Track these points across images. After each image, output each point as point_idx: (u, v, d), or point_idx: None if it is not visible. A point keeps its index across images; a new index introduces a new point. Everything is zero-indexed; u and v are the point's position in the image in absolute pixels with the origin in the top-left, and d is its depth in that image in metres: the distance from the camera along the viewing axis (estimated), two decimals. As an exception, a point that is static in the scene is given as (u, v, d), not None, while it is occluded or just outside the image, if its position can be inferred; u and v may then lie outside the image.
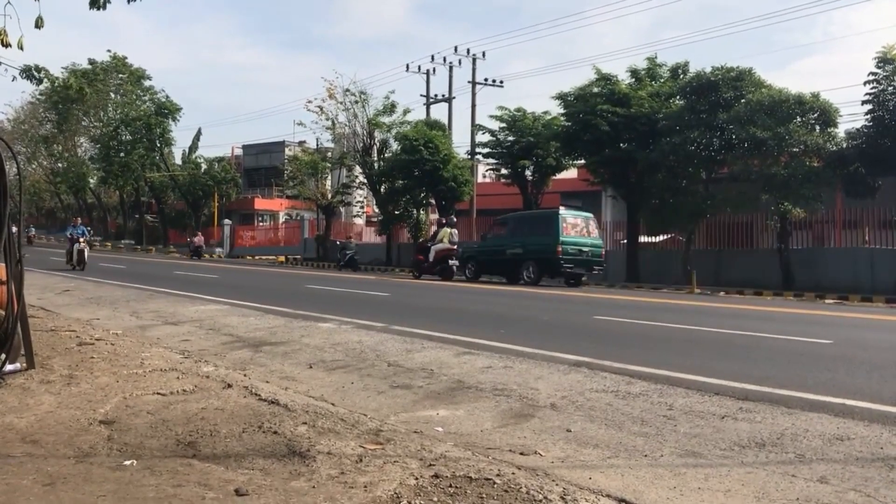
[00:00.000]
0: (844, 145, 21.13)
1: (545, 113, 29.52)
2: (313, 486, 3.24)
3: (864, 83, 20.52)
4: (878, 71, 20.31)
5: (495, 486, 3.27)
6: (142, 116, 49.51)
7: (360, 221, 44.52)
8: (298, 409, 4.65)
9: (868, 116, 20.62)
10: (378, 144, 35.37)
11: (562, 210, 21.64)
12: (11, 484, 3.18)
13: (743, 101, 21.76)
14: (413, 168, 30.91)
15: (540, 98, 71.30)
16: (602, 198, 32.21)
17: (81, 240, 23.21)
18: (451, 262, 22.14)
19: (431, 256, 22.31)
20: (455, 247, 22.56)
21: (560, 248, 19.79)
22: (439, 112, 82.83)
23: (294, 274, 25.72)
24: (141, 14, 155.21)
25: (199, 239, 40.92)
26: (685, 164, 23.17)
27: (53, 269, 22.25)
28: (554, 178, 30.91)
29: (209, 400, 4.91)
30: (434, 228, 25.51)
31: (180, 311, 11.43)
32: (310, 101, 36.53)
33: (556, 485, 3.35)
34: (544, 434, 4.52)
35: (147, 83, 52.02)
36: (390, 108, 34.60)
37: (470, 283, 20.88)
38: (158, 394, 5.09)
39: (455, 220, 25.82)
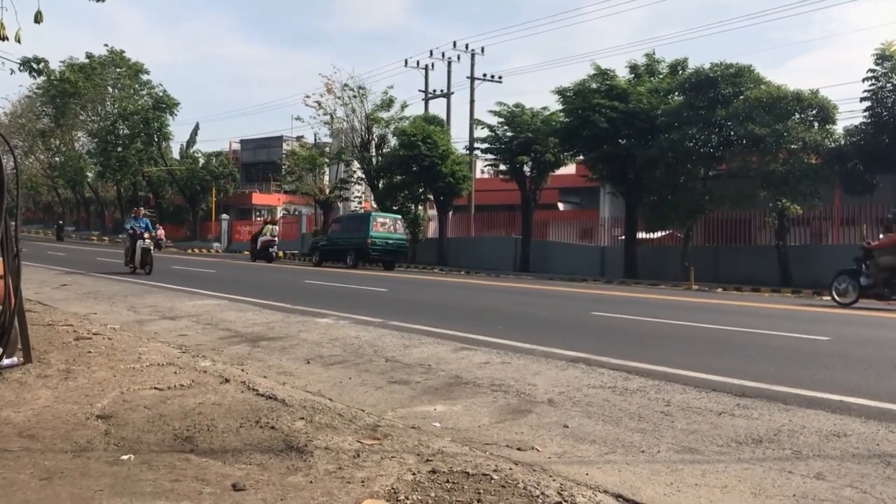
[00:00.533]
0: (843, 142, 21.11)
1: (544, 108, 29.49)
2: (311, 481, 3.24)
3: (863, 80, 20.52)
4: (877, 68, 20.30)
5: (492, 481, 3.27)
6: (139, 111, 49.39)
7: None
8: (296, 404, 4.65)
9: (866, 113, 20.61)
10: (376, 139, 35.32)
11: (374, 213, 29.39)
12: (8, 478, 3.18)
13: (742, 97, 21.75)
14: (411, 163, 30.88)
15: (538, 94, 71.52)
16: (600, 194, 32.24)
17: (146, 235, 18.72)
18: (270, 249, 29.87)
19: (259, 245, 30.09)
20: (275, 239, 30.77)
21: (369, 241, 26.12)
22: (438, 107, 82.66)
23: (292, 269, 25.70)
24: (140, 9, 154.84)
25: (160, 232, 43.59)
26: (684, 161, 23.16)
27: (50, 263, 22.20)
28: (552, 174, 30.89)
29: (206, 395, 4.91)
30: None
31: (178, 305, 11.42)
32: (308, 96, 36.54)
33: (553, 480, 3.35)
34: (541, 430, 4.52)
35: (145, 77, 51.98)
36: (388, 103, 34.55)
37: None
38: (156, 388, 5.09)
39: (278, 219, 35.60)
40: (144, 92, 51.67)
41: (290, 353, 7.32)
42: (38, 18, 6.91)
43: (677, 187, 23.52)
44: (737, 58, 54.06)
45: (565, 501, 3.03)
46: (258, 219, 34.11)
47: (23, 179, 58.45)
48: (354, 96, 34.93)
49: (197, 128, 57.52)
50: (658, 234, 27.26)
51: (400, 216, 29.61)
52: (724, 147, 22.31)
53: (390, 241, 26.71)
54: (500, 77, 39.76)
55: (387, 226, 27.28)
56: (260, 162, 58.38)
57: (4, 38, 7.10)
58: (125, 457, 3.56)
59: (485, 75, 38.84)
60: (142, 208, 22.16)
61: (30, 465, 3.37)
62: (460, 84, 54.72)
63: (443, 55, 38.83)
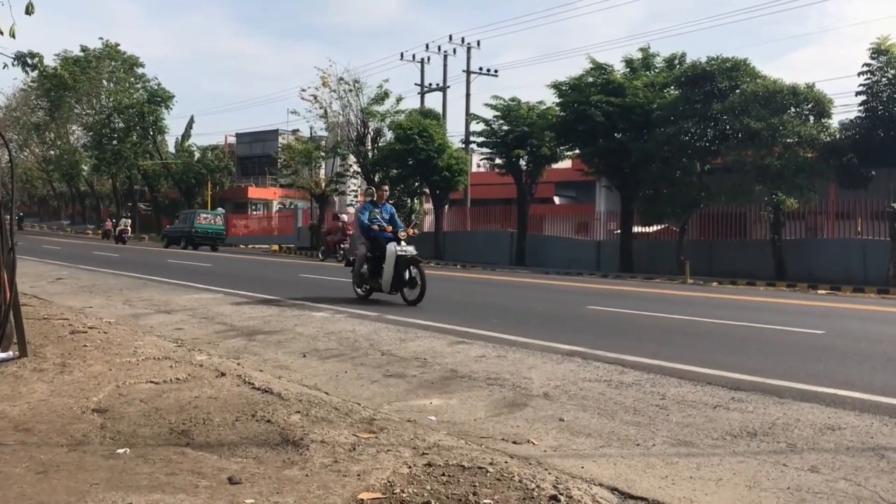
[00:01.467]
0: (838, 136, 21.12)
1: (540, 102, 29.41)
2: (307, 475, 3.25)
3: (858, 74, 20.53)
4: (873, 62, 20.32)
5: (488, 474, 3.28)
6: (135, 104, 49.22)
7: (353, 210, 44.46)
8: (292, 397, 4.65)
9: (862, 108, 20.62)
10: (372, 133, 35.21)
11: (198, 210, 39.50)
12: (4, 472, 3.18)
13: (738, 91, 21.73)
14: (407, 157, 30.81)
15: (534, 88, 71.63)
16: (596, 188, 32.23)
17: (401, 234, 10.88)
18: (124, 235, 39.49)
19: (116, 232, 40.12)
20: (127, 229, 40.72)
21: (193, 230, 35.65)
22: (434, 101, 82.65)
23: (288, 263, 25.70)
24: (135, 2, 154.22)
25: (108, 224, 48.23)
26: (679, 155, 23.14)
27: (44, 257, 22.10)
28: (548, 168, 30.86)
29: (202, 388, 4.91)
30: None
31: (173, 299, 11.41)
32: (304, 90, 36.38)
33: (549, 473, 3.36)
34: (537, 423, 4.53)
35: (140, 71, 51.78)
36: (383, 97, 34.43)
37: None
38: (151, 382, 5.09)
39: (130, 215, 48.34)
40: (139, 85, 51.51)
41: (285, 346, 7.32)
42: (28, 10, 6.86)
43: (673, 181, 23.51)
44: (733, 52, 54.06)
45: (561, 494, 3.04)
46: (123, 217, 45.77)
47: (18, 173, 58.19)
48: (350, 90, 34.83)
49: (192, 121, 57.37)
50: (654, 229, 27.25)
51: (221, 213, 39.30)
52: (720, 141, 22.30)
53: (210, 231, 36.31)
54: (496, 71, 39.73)
55: (208, 220, 36.83)
56: (256, 155, 58.28)
57: (-1, 33, 7.04)
58: (121, 450, 3.56)
59: (481, 69, 38.80)
60: (386, 187, 12.47)
61: (25, 459, 3.37)
62: (456, 78, 54.83)
63: (438, 49, 38.76)
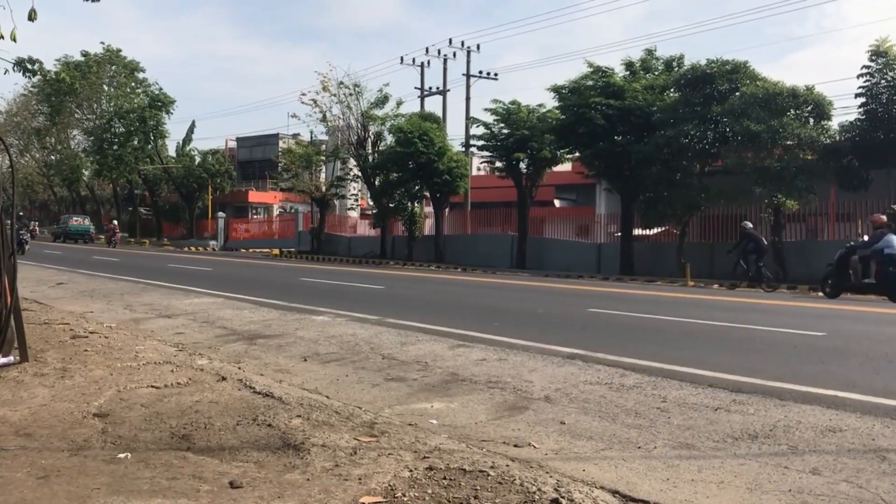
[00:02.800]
0: (838, 138, 21.11)
1: (540, 105, 29.40)
2: (308, 479, 3.25)
3: (858, 76, 20.53)
4: (872, 64, 20.33)
5: (489, 478, 3.28)
6: (135, 109, 49.29)
7: (354, 214, 44.45)
8: (293, 401, 4.65)
9: (861, 109, 20.62)
10: (372, 137, 35.21)
11: (72, 215, 52.40)
12: (5, 477, 3.18)
13: (737, 93, 21.73)
14: (407, 161, 30.80)
15: (535, 91, 71.65)
16: (596, 190, 32.24)
17: None
18: (24, 238, 47.97)
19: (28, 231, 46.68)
20: (35, 229, 50.06)
21: (68, 229, 48.33)
22: (434, 105, 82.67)
23: (288, 267, 25.69)
24: (135, 5, 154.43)
25: (33, 226, 55.38)
26: (679, 157, 23.13)
27: (49, 262, 22.09)
28: (549, 170, 30.86)
29: (203, 393, 4.91)
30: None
31: (174, 303, 11.42)
32: (304, 94, 36.40)
33: (550, 477, 3.36)
34: (538, 426, 4.53)
35: (140, 75, 51.86)
36: (383, 101, 34.44)
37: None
38: (152, 387, 5.09)
39: (36, 220, 58.81)
40: (140, 90, 51.59)
41: (286, 350, 7.32)
42: (31, 16, 6.87)
43: (673, 184, 23.49)
44: (734, 53, 54.09)
45: (562, 498, 3.04)
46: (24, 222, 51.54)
47: (18, 178, 58.17)
48: (350, 94, 34.82)
49: (193, 125, 57.40)
50: (654, 231, 27.23)
51: (88, 216, 52.83)
52: (720, 143, 22.29)
53: (80, 230, 48.60)
54: (495, 74, 39.73)
55: (78, 221, 49.68)
56: (256, 159, 58.30)
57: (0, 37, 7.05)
58: (122, 455, 3.56)
59: (480, 72, 38.82)
60: None
61: (27, 464, 3.37)
62: (456, 81, 54.94)
63: (438, 52, 38.78)
